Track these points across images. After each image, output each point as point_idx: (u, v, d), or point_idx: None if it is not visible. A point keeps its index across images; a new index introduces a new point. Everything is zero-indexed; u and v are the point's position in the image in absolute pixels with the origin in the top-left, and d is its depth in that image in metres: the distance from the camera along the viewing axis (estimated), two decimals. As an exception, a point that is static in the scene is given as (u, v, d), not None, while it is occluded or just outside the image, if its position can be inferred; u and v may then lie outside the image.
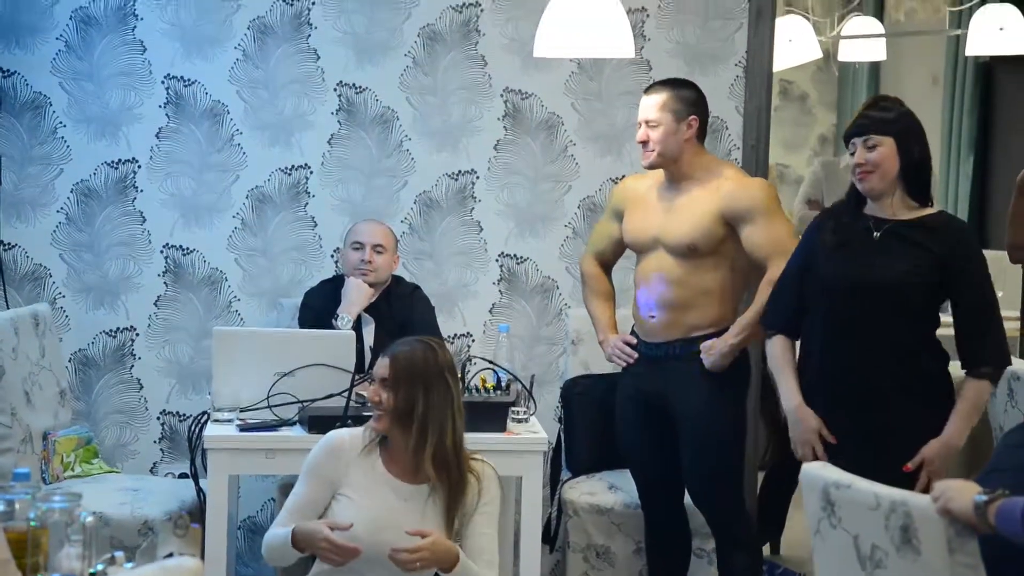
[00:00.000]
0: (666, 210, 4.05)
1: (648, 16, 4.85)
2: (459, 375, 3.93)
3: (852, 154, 3.60)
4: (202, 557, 2.78)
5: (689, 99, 4.02)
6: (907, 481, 3.44)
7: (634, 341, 4.15)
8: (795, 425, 3.66)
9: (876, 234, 3.59)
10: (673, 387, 4.05)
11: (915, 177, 3.59)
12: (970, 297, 3.56)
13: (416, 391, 3.22)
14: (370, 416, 3.49)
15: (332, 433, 3.37)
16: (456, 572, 3.17)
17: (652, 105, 4.02)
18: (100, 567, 2.45)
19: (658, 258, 4.05)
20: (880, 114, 3.59)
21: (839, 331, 3.59)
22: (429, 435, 3.22)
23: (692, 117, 4.00)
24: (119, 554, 2.52)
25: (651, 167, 4.06)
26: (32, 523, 2.45)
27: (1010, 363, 3.61)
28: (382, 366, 3.27)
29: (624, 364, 4.15)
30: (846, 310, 3.57)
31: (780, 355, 3.72)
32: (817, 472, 2.24)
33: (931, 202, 3.63)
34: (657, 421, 4.10)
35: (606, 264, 4.30)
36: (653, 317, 4.07)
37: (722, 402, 4.04)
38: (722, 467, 4.08)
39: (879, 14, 7.77)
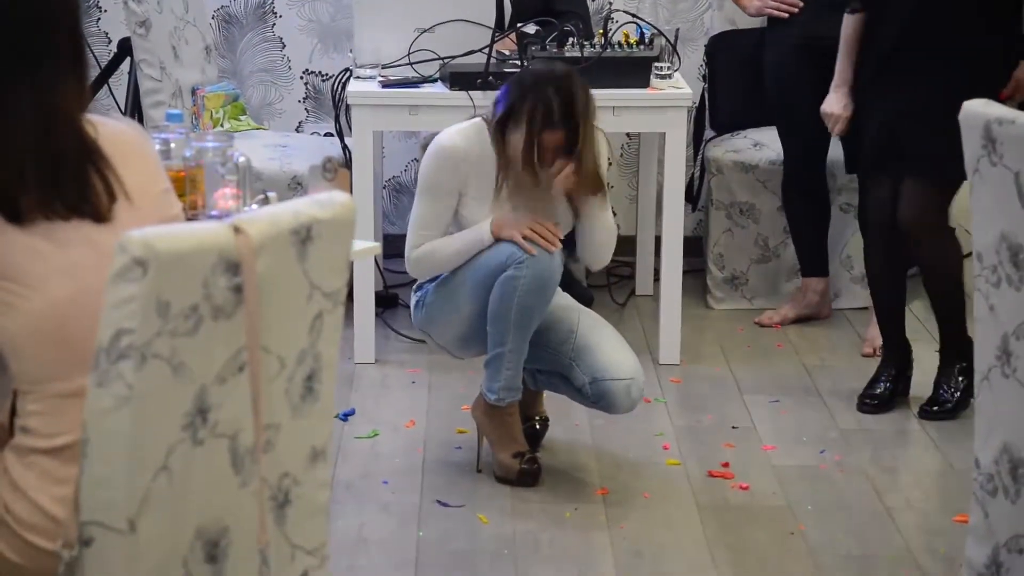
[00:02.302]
0: None
1: None
2: (603, 30, 3.87)
3: None
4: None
5: None
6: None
7: None
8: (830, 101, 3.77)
9: None
10: None
11: None
12: None
13: None
14: (509, 73, 3.44)
15: (443, 142, 3.23)
16: None
17: None
18: (254, 206, 2.51)
19: None
20: None
21: None
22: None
23: None
24: (272, 194, 2.56)
25: None
26: (188, 162, 2.51)
27: None
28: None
29: (787, 15, 4.13)
30: None
31: (849, 34, 3.70)
32: (978, 109, 2.16)
33: None
34: (827, 69, 3.89)
35: None
36: None
37: None
38: None
39: None
